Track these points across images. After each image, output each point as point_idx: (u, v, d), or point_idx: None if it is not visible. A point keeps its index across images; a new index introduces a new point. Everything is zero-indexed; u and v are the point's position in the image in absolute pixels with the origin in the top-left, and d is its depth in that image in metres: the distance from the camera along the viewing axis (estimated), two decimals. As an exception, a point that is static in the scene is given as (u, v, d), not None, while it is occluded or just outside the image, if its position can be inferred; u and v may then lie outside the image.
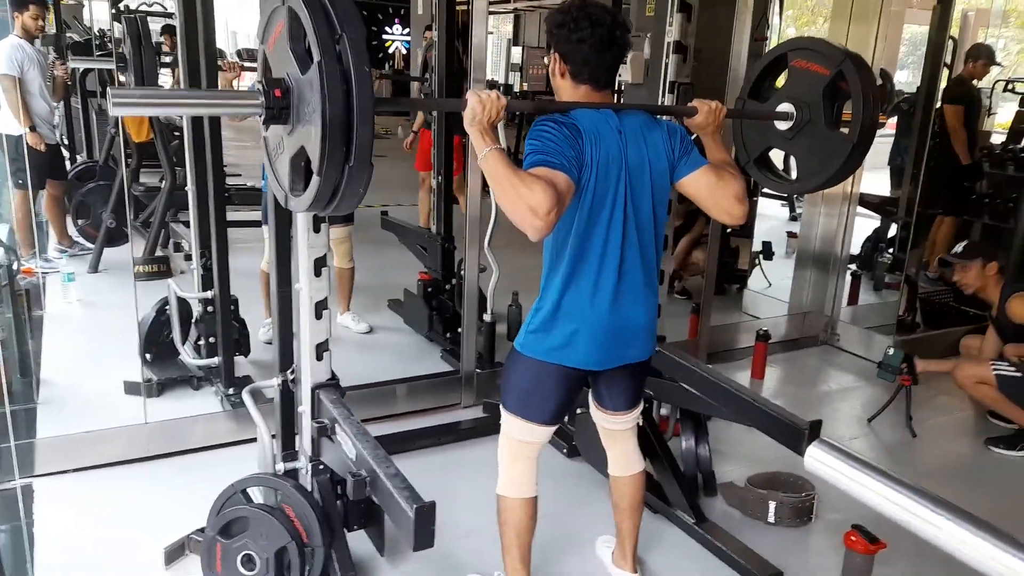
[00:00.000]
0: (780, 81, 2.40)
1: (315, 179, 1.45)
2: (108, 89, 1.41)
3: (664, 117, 2.05)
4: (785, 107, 2.26)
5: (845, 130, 2.18)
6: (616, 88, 3.07)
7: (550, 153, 1.70)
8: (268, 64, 1.63)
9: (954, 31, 5.15)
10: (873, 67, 4.27)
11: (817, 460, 1.10)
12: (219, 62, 3.42)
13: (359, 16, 1.42)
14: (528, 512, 2.06)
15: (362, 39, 1.41)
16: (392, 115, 10.96)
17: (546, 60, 1.94)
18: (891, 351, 3.66)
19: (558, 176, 1.66)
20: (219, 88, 3.33)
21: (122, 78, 3.95)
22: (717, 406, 2.60)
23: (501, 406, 2.05)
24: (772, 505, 2.70)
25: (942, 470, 3.28)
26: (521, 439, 2.03)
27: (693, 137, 2.06)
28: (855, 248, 4.95)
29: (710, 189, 1.93)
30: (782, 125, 2.27)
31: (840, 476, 1.08)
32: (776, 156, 2.48)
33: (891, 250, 5.24)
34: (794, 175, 2.44)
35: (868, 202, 5.18)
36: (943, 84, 4.96)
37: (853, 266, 4.99)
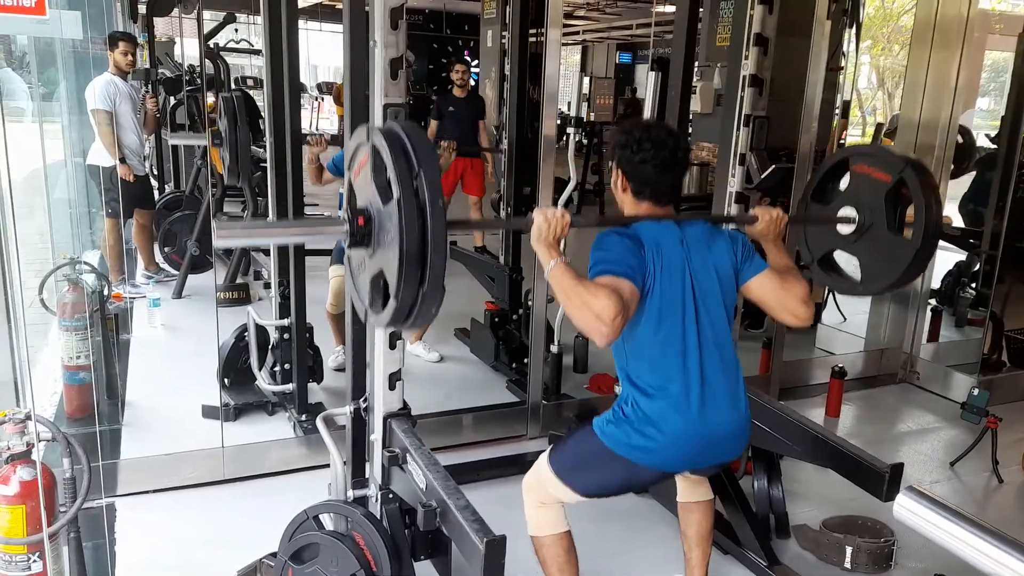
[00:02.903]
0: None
1: (392, 301, 1.56)
2: (213, 223, 1.56)
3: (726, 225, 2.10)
4: (847, 211, 2.26)
5: (908, 234, 2.16)
6: (688, 118, 3.07)
7: (613, 262, 1.79)
8: (353, 191, 1.73)
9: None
10: (955, 96, 4.15)
11: (907, 510, 1.06)
12: (306, 136, 3.53)
13: (435, 154, 1.55)
14: (564, 546, 2.06)
15: (437, 176, 1.53)
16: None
17: (609, 168, 2.00)
18: (976, 391, 3.50)
19: (622, 283, 1.74)
20: (305, 159, 3.48)
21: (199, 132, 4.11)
22: (791, 445, 2.53)
23: (548, 456, 2.04)
24: (849, 550, 2.60)
25: (1033, 519, 3.11)
26: (552, 493, 2.03)
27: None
28: (935, 282, 4.77)
29: (775, 292, 1.96)
30: (845, 229, 2.27)
31: (935, 528, 1.03)
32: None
33: (974, 285, 5.03)
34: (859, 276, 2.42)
35: (949, 235, 4.99)
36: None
37: (933, 301, 4.81)
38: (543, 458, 2.05)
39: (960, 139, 5.03)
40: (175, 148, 6.18)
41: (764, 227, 2.05)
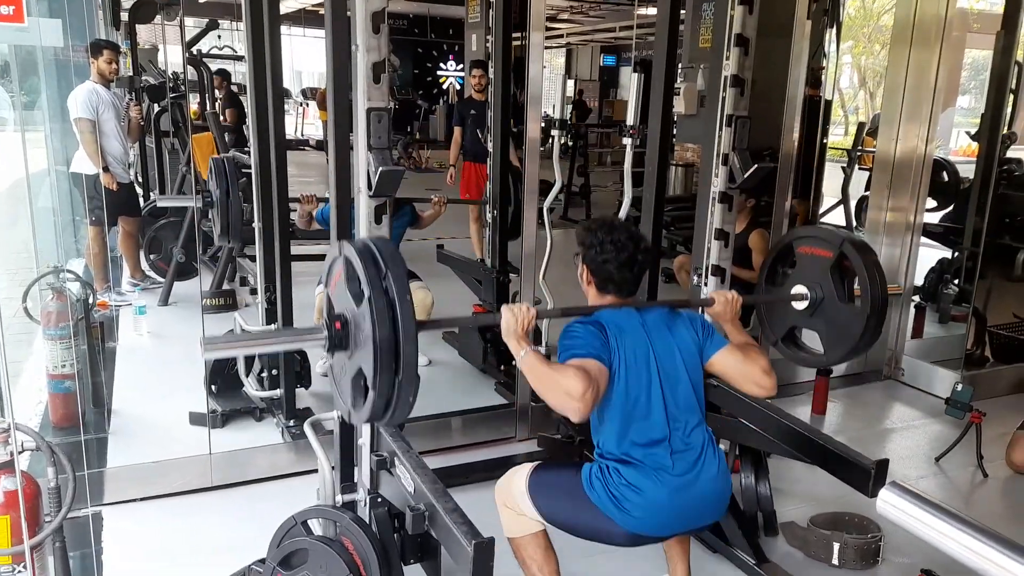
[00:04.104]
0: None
1: (371, 393, 1.66)
2: (200, 340, 1.68)
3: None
4: (799, 289, 2.42)
5: (859, 303, 2.30)
6: (671, 119, 3.10)
7: (579, 346, 1.91)
8: (331, 303, 1.83)
9: (1019, 55, 5.01)
10: (935, 95, 4.18)
11: (890, 504, 1.06)
12: (299, 195, 3.65)
13: (401, 257, 1.70)
14: (541, 544, 2.09)
15: (404, 274, 1.67)
16: (446, 149, 11.16)
17: (576, 263, 2.13)
18: (959, 387, 3.54)
19: (588, 362, 1.86)
20: (298, 214, 3.65)
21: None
22: (777, 443, 2.54)
23: (528, 474, 2.07)
24: (836, 546, 2.62)
25: (1016, 512, 3.14)
26: (520, 504, 2.06)
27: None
28: (918, 279, 4.81)
29: (738, 366, 2.07)
30: (799, 305, 2.42)
31: (917, 522, 1.04)
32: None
33: (956, 281, 5.08)
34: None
35: (931, 232, 5.04)
36: (1008, 110, 4.83)
37: (917, 298, 4.85)
38: (522, 470, 2.09)
39: (945, 177, 5.11)
40: (160, 155, 6.15)
41: (720, 309, 2.19)
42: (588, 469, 2.00)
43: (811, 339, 2.56)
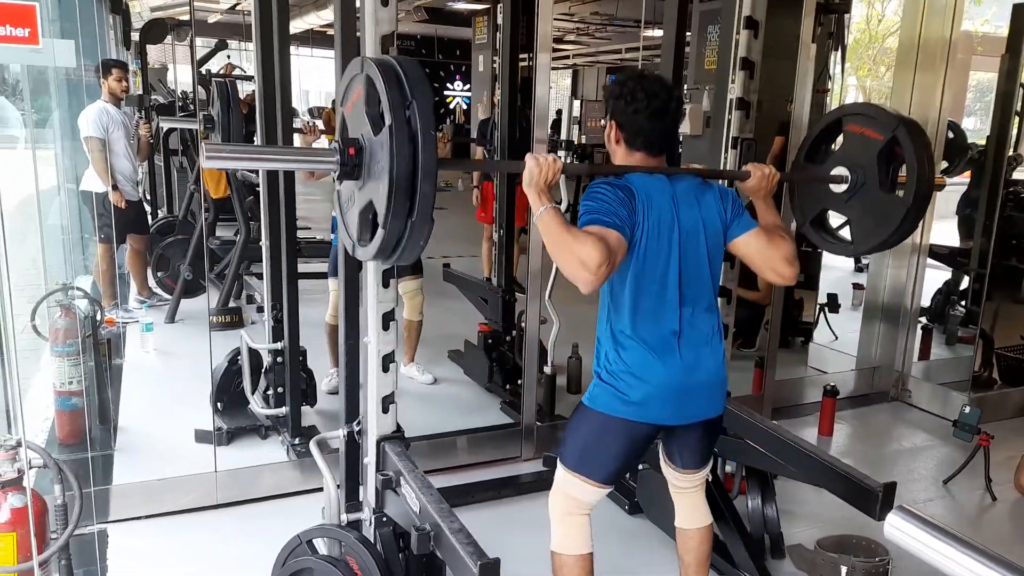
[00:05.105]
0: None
1: (380, 231, 1.55)
2: (201, 143, 1.54)
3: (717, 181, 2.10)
4: (840, 170, 2.27)
5: (900, 193, 2.17)
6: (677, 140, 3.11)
7: (603, 213, 1.79)
8: (345, 125, 1.74)
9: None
10: (940, 116, 4.21)
11: (898, 529, 1.06)
12: (299, 123, 3.63)
13: (429, 84, 1.54)
14: (585, 569, 2.04)
15: (430, 105, 1.52)
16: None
17: (603, 123, 2.01)
18: (967, 409, 3.52)
19: (610, 233, 1.75)
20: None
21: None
22: (784, 464, 2.53)
23: (559, 460, 2.05)
24: (844, 570, 2.59)
25: (1027, 536, 3.11)
26: (575, 496, 2.02)
27: (746, 203, 2.10)
28: (925, 301, 4.79)
29: (761, 250, 1.98)
30: (837, 188, 2.28)
31: (925, 548, 1.03)
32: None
33: (963, 303, 5.06)
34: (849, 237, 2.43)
35: (938, 253, 5.03)
36: (1014, 132, 4.84)
37: (924, 319, 4.83)
38: (559, 468, 2.05)
39: (950, 134, 5.07)
40: (168, 173, 6.19)
41: (756, 183, 2.06)
42: (586, 396, 1.98)
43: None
